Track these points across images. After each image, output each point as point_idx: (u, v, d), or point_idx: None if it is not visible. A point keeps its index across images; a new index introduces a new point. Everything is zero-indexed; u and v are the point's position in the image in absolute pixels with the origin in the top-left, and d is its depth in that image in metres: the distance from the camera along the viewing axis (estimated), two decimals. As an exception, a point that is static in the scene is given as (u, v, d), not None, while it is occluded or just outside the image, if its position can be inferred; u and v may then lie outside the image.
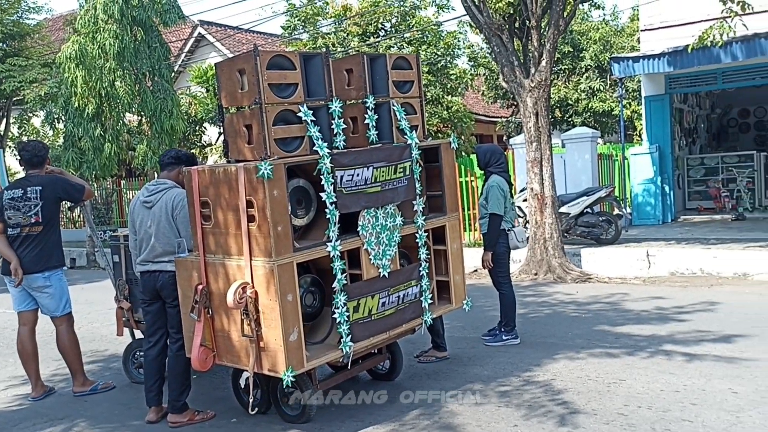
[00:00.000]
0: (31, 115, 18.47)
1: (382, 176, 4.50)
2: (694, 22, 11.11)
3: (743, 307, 6.86)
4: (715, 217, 12.60)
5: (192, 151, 17.76)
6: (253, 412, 4.28)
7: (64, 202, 5.76)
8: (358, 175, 4.34)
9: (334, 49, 15.59)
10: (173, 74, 17.21)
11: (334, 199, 4.21)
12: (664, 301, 7.33)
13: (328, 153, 4.18)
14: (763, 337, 5.68)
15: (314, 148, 4.17)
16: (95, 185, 17.82)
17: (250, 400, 4.19)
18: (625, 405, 4.35)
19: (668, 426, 3.97)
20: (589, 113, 20.10)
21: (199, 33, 20.74)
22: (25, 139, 21.30)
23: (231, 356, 4.25)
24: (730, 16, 7.99)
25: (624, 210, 11.17)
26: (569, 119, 20.50)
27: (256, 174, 3.86)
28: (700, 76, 12.44)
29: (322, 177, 4.17)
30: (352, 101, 4.66)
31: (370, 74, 4.61)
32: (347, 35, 16.07)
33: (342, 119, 4.40)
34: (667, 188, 12.58)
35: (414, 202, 4.78)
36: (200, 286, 4.25)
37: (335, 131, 4.35)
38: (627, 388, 4.66)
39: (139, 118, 14.13)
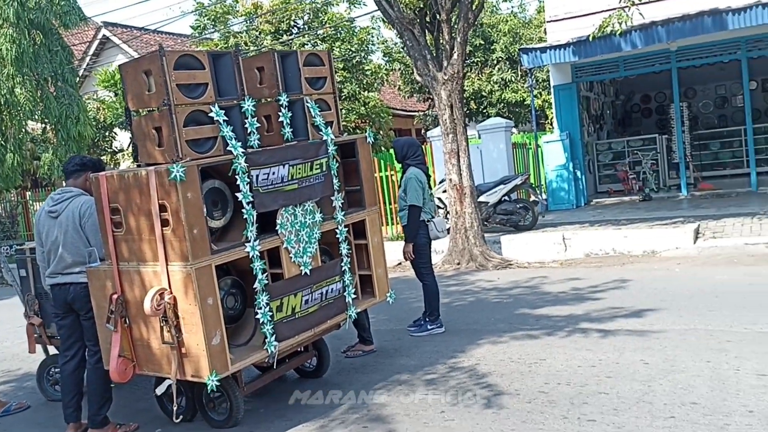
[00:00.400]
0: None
1: (299, 173, 4.48)
2: (597, 12, 11.54)
3: (652, 282, 7.22)
4: (624, 198, 13.17)
5: (102, 157, 17.14)
6: (178, 420, 4.19)
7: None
8: (273, 173, 4.31)
9: (246, 48, 15.37)
10: (78, 79, 16.58)
11: (251, 199, 4.16)
12: (580, 282, 7.62)
13: (243, 152, 4.13)
14: (670, 309, 5.99)
15: (228, 148, 4.11)
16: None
17: (174, 409, 4.10)
18: (545, 383, 4.50)
19: (586, 399, 4.14)
20: (502, 104, 20.60)
21: (104, 35, 20.03)
22: None
23: (152, 365, 4.15)
24: (627, 6, 8.38)
25: (539, 196, 11.53)
26: (484, 110, 20.95)
27: (168, 177, 3.77)
28: (604, 64, 12.97)
29: (237, 177, 4.11)
30: (266, 99, 4.62)
31: (282, 72, 4.58)
32: (260, 34, 15.87)
33: (255, 118, 4.35)
34: (579, 173, 13.06)
35: (332, 198, 4.79)
36: (115, 296, 4.12)
37: (249, 130, 4.30)
38: (547, 366, 4.83)
39: (43, 125, 13.51)
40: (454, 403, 4.38)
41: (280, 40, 15.50)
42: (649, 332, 5.37)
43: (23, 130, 12.73)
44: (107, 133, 17.71)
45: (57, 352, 5.49)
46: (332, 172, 4.76)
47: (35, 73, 12.35)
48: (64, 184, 4.85)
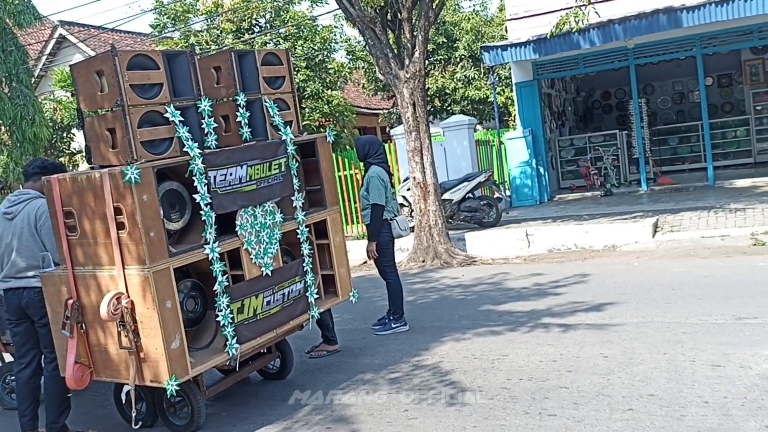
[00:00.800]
0: None
1: (257, 174, 4.44)
2: (556, 10, 11.64)
3: (612, 276, 7.33)
4: (587, 194, 13.35)
5: (61, 159, 16.80)
6: (137, 427, 4.12)
7: None
8: (231, 174, 4.26)
9: (207, 47, 15.19)
10: (34, 79, 16.19)
11: (209, 200, 4.12)
12: (543, 277, 7.70)
13: (199, 153, 4.08)
14: (629, 303, 6.09)
15: (184, 149, 4.05)
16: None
17: (133, 415, 4.03)
18: (507, 379, 4.54)
19: (546, 394, 4.18)
20: (466, 101, 20.72)
21: (60, 34, 19.61)
22: None
23: (110, 371, 4.08)
24: (584, 5, 8.48)
25: (503, 193, 11.62)
26: (448, 108, 21.05)
27: (122, 179, 3.70)
28: (564, 61, 13.13)
29: (194, 178, 4.06)
30: (223, 99, 4.56)
31: (239, 71, 4.53)
32: (221, 32, 15.69)
33: (213, 118, 4.30)
34: (541, 170, 13.20)
35: (293, 198, 4.76)
36: (71, 301, 4.03)
37: (206, 131, 4.25)
38: (509, 362, 4.87)
39: (-1, 127, 13.17)
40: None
41: (242, 39, 15.35)
42: (608, 326, 5.45)
43: (-23, 132, 12.39)
44: (65, 134, 17.34)
45: (13, 359, 5.37)
46: (292, 171, 4.73)
47: (-12, 73, 12.03)
48: (21, 186, 4.74)
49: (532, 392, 4.26)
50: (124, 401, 4.38)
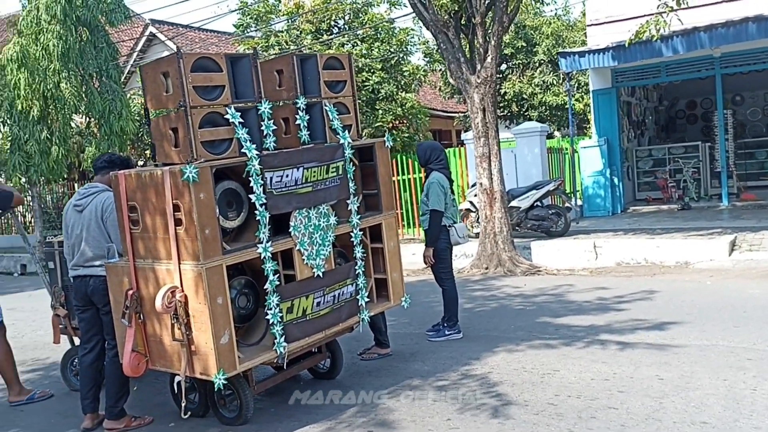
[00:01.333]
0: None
1: (314, 176, 4.51)
2: (638, 16, 11.29)
3: (681, 294, 7.05)
4: (663, 207, 12.89)
5: (146, 152, 17.52)
6: (186, 416, 4.26)
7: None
8: (288, 176, 4.35)
9: (287, 47, 15.51)
10: (126, 74, 16.97)
11: (264, 201, 4.21)
12: (607, 291, 7.49)
13: (257, 154, 4.18)
14: (695, 323, 5.84)
15: (243, 150, 4.16)
16: (45, 189, 17.51)
17: (183, 404, 4.18)
18: (556, 395, 4.44)
19: (594, 414, 4.07)
20: (544, 107, 20.37)
21: (151, 32, 20.45)
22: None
23: (164, 361, 4.23)
24: (665, 12, 8.19)
25: (573, 202, 11.36)
26: (525, 113, 20.75)
27: (181, 177, 3.84)
28: (646, 69, 12.72)
29: (251, 179, 4.17)
30: (284, 102, 4.66)
31: (300, 75, 4.62)
32: (300, 33, 15.99)
33: (272, 120, 4.40)
34: (616, 180, 12.83)
35: (348, 201, 4.81)
36: (131, 291, 4.21)
37: (265, 133, 4.35)
38: (560, 378, 4.77)
39: (88, 120, 13.88)
40: (461, 411, 4.36)
41: (320, 40, 15.60)
42: (669, 346, 5.25)
43: (68, 124, 13.08)
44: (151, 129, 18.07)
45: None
46: (348, 175, 4.78)
47: (81, 68, 12.69)
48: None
49: (579, 411, 4.15)
50: (175, 391, 4.54)
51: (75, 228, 4.65)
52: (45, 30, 11.99)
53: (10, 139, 13.20)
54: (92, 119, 13.45)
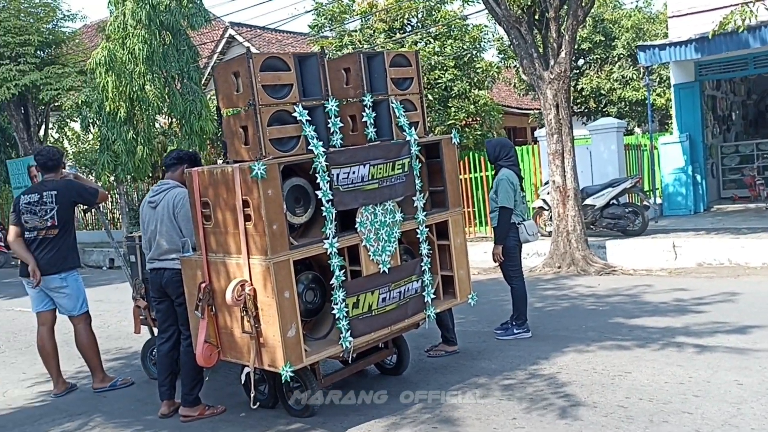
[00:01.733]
0: (68, 120, 19.01)
1: (380, 173, 4.55)
2: (723, 7, 10.82)
3: (766, 297, 6.71)
4: (750, 206, 12.29)
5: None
6: (255, 407, 4.38)
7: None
8: (354, 172, 4.40)
9: (360, 46, 15.65)
10: (206, 76, 17.53)
11: (331, 197, 4.28)
12: (686, 293, 7.21)
13: (324, 152, 4.25)
14: (780, 328, 5.56)
15: (309, 147, 4.24)
16: (132, 187, 18.32)
17: (252, 395, 4.30)
18: (626, 397, 4.32)
19: (666, 418, 3.94)
20: (623, 103, 19.76)
21: (230, 34, 21.05)
22: (66, 143, 21.97)
23: (234, 352, 4.37)
24: (752, 1, 7.81)
25: (651, 201, 10.98)
26: (604, 109, 20.19)
27: (250, 174, 3.95)
28: (732, 61, 12.15)
29: (317, 175, 4.24)
30: (351, 99, 4.72)
31: (367, 72, 4.66)
32: (373, 32, 16.10)
33: (339, 118, 4.46)
34: (699, 177, 12.33)
35: (414, 198, 4.82)
36: (203, 284, 4.37)
37: (332, 130, 4.42)
38: (631, 380, 4.63)
39: (170, 120, 14.44)
40: (527, 410, 4.30)
41: (393, 39, 15.66)
42: (750, 351, 5.01)
43: (153, 124, 13.64)
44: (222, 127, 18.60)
45: (159, 333, 5.91)
46: (415, 172, 4.79)
47: (164, 71, 13.20)
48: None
49: (650, 414, 4.03)
50: (243, 381, 4.67)
51: (150, 223, 4.86)
52: (131, 35, 12.54)
53: (99, 139, 13.88)
54: (174, 119, 13.98)
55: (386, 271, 4.60)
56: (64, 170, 5.60)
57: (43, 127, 18.29)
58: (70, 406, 5.31)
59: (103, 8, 52.42)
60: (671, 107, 18.14)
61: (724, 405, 4.05)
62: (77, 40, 18.33)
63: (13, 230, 5.38)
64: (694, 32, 11.00)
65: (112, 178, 14.98)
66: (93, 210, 6.37)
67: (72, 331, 5.66)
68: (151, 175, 15.75)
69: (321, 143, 4.26)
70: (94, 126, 14.57)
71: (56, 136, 20.46)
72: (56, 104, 17.15)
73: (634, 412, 4.07)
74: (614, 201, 10.31)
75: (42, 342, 5.55)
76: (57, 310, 5.58)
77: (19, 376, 6.38)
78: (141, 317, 5.79)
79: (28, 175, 17.89)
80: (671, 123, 19.06)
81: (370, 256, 4.53)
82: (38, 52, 16.73)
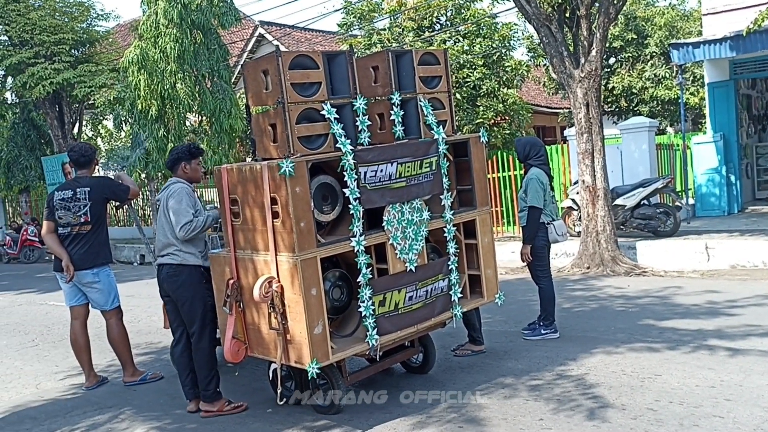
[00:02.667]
0: (101, 118, 19.35)
1: (407, 171, 4.54)
2: (758, 4, 10.64)
3: (801, 301, 6.57)
4: (786, 207, 12.04)
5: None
6: (282, 403, 4.41)
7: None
8: (382, 170, 4.40)
9: (389, 44, 15.65)
10: (236, 74, 17.69)
11: (358, 195, 4.29)
12: (718, 295, 7.09)
13: (351, 150, 4.26)
14: (816, 332, 5.43)
15: (337, 145, 4.25)
16: (163, 184, 18.57)
17: (279, 391, 4.33)
18: (656, 400, 4.26)
19: (697, 422, 3.87)
20: (656, 102, 19.48)
21: (260, 33, 21.19)
22: (99, 141, 22.35)
23: (261, 348, 4.40)
24: (789, -3, 7.64)
25: (683, 201, 10.80)
26: (635, 108, 19.93)
27: (278, 171, 3.97)
28: (768, 60, 11.90)
29: (345, 173, 4.25)
30: (379, 98, 4.72)
31: (395, 71, 4.66)
32: (402, 31, 16.09)
33: (367, 116, 4.47)
34: (733, 178, 12.10)
35: (441, 197, 4.80)
36: (231, 281, 4.41)
37: (360, 128, 4.42)
38: (661, 383, 4.56)
39: (201, 118, 14.60)
40: (555, 411, 4.27)
41: (422, 37, 15.63)
42: (784, 355, 4.91)
43: (183, 122, 13.81)
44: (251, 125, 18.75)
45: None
46: (442, 170, 4.77)
47: (194, 69, 13.37)
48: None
49: (680, 417, 3.96)
50: (270, 378, 4.70)
51: (157, 222, 4.90)
52: (163, 33, 12.71)
53: (131, 136, 14.09)
54: (204, 117, 14.14)
55: (413, 269, 4.60)
56: (115, 173, 5.68)
57: (77, 124, 18.63)
58: (100, 399, 5.41)
59: (135, 8, 53.27)
60: (705, 106, 17.84)
61: (757, 409, 3.97)
62: (110, 39, 18.64)
63: (46, 226, 5.49)
64: (729, 30, 10.80)
65: (143, 175, 15.21)
66: (125, 206, 6.47)
67: (104, 326, 5.74)
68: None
69: (349, 141, 4.27)
70: (126, 124, 14.81)
71: (90, 133, 20.83)
72: (90, 102, 17.46)
73: (664, 416, 4.01)
74: (645, 201, 10.16)
75: (75, 336, 5.65)
76: (89, 305, 5.68)
77: (52, 369, 6.50)
78: (170, 313, 5.86)
79: (63, 171, 18.27)
80: (704, 122, 18.76)
81: (397, 254, 4.53)
82: (72, 50, 17.05)
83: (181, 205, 4.64)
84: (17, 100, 19.04)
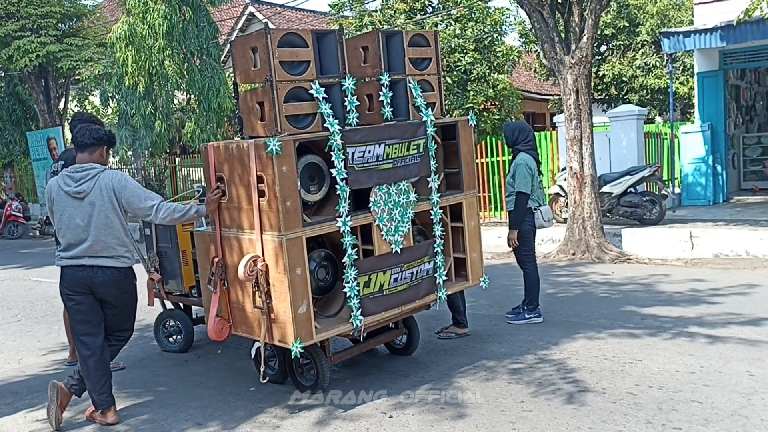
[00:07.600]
0: (87, 94, 19.13)
1: (395, 153, 4.53)
2: (751, -6, 10.64)
3: (782, 290, 6.65)
4: (771, 198, 12.13)
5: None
6: (265, 381, 4.42)
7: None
8: (369, 151, 4.38)
9: (380, 26, 15.54)
10: (225, 53, 17.52)
11: (345, 176, 4.27)
12: (701, 284, 7.16)
13: (339, 130, 4.23)
14: (795, 321, 5.51)
15: (325, 125, 4.23)
16: (149, 162, 18.44)
17: (262, 370, 4.34)
18: (636, 385, 4.31)
19: (675, 406, 3.92)
20: (645, 90, 19.52)
21: (250, 11, 20.99)
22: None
23: (245, 327, 4.40)
24: (780, -13, 7.66)
25: (669, 190, 10.86)
26: (625, 97, 19.95)
27: (265, 150, 3.95)
28: (758, 51, 11.93)
29: (332, 153, 4.23)
30: (368, 78, 4.69)
31: (386, 51, 4.63)
32: (394, 13, 15.98)
33: (355, 96, 4.44)
34: (719, 168, 12.18)
35: (428, 179, 4.80)
36: (216, 259, 4.40)
37: (348, 108, 4.40)
38: (642, 368, 4.61)
39: (189, 96, 14.47)
40: (535, 394, 4.31)
41: (414, 20, 15.54)
42: (763, 343, 4.97)
43: (171, 100, 13.69)
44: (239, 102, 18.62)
45: (172, 306, 5.97)
46: (430, 153, 4.76)
47: (183, 47, 13.21)
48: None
49: (659, 402, 4.01)
50: (253, 356, 4.71)
51: (75, 217, 4.19)
52: (151, 9, 12.55)
53: (118, 113, 13.95)
54: (192, 96, 14.01)
55: (398, 251, 4.60)
56: None
57: (63, 100, 18.41)
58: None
59: (125, -17, 52.21)
60: (694, 96, 17.89)
61: (735, 395, 4.02)
62: (98, 14, 18.39)
63: None
64: (720, 20, 10.81)
65: (129, 152, 15.08)
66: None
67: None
68: (168, 150, 15.84)
69: (337, 121, 4.25)
70: (113, 100, 14.65)
71: (76, 109, 20.59)
72: (76, 77, 17.25)
73: (643, 400, 4.06)
74: (632, 189, 10.21)
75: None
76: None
77: (34, 344, 6.48)
78: (154, 290, 5.81)
79: (47, 147, 18.06)
80: (693, 112, 18.84)
81: (382, 235, 4.53)
82: (59, 24, 16.81)
83: (142, 189, 4.22)
84: (2, 74, 18.79)
